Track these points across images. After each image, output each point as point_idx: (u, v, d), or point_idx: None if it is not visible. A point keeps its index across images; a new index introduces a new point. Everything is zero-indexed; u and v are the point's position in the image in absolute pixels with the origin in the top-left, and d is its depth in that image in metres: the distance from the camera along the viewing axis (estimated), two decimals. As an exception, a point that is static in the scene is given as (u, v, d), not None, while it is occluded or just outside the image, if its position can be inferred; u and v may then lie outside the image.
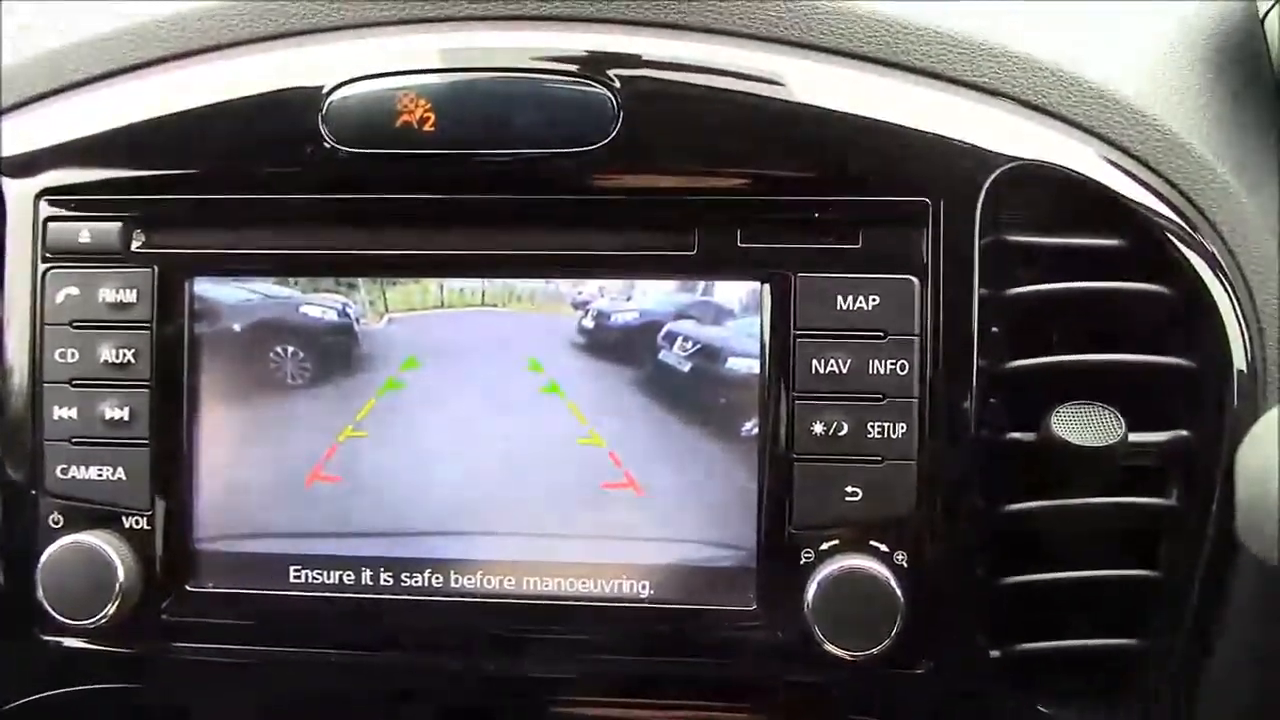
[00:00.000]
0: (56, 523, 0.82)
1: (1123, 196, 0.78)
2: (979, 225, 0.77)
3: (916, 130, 0.78)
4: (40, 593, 0.80)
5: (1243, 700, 0.78)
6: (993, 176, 0.77)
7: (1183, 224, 0.78)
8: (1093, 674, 0.80)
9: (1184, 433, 0.78)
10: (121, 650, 0.83)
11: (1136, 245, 0.78)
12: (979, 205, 0.77)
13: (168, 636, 0.82)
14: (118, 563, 0.80)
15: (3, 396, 0.84)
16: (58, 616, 0.80)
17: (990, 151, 0.78)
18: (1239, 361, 0.77)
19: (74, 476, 0.82)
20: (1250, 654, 0.77)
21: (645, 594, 0.80)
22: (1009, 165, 0.78)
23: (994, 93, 0.79)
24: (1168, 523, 0.78)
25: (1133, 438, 0.76)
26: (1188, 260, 0.78)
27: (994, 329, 0.78)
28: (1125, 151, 0.79)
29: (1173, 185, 0.79)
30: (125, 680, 0.84)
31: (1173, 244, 0.78)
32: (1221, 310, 0.77)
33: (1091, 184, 0.78)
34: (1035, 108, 0.80)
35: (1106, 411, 0.76)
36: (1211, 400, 0.77)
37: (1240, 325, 0.77)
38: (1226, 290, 0.78)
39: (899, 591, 0.75)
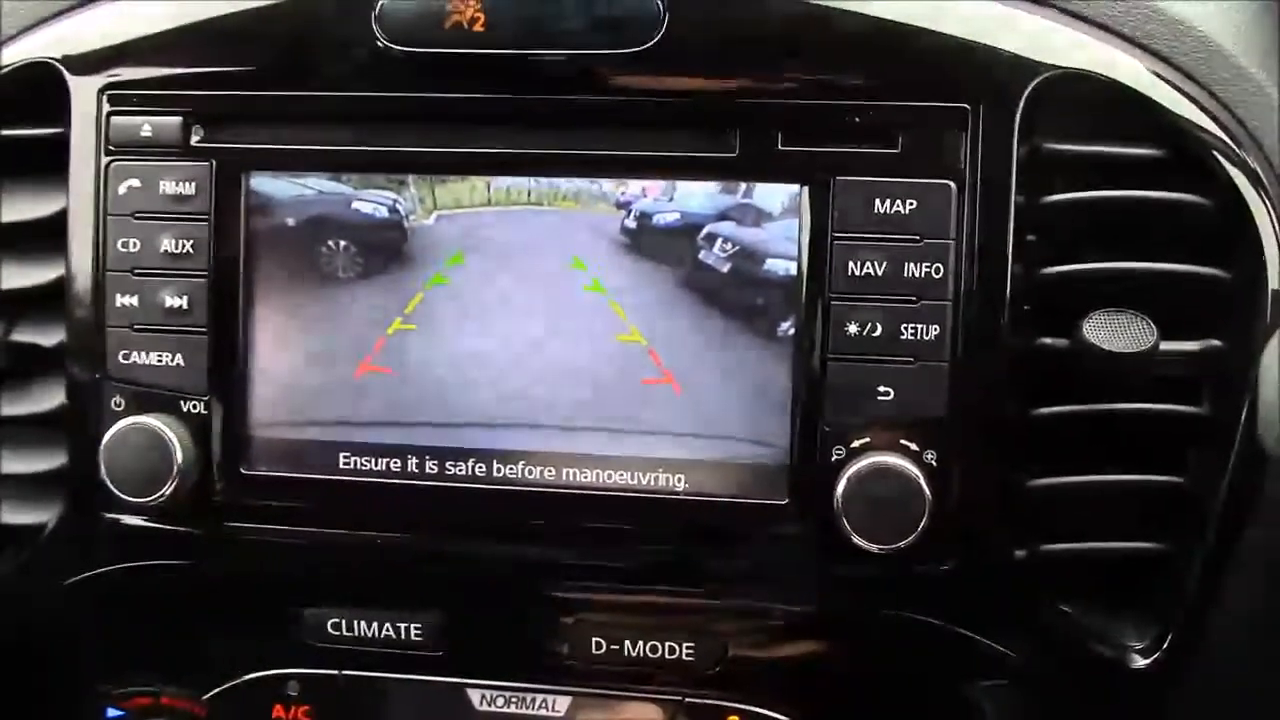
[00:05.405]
0: (119, 405, 0.86)
1: (1165, 108, 0.78)
2: (1018, 132, 0.78)
3: (958, 36, 0.78)
4: (103, 471, 0.84)
5: (1259, 606, 0.79)
6: (1033, 84, 0.78)
7: (1226, 138, 0.78)
8: (1115, 578, 0.81)
9: (1216, 342, 0.79)
10: (178, 528, 0.86)
11: (1176, 157, 0.79)
12: (1018, 112, 0.78)
13: (222, 516, 0.86)
14: (176, 444, 0.83)
15: (69, 284, 0.87)
16: (119, 494, 0.84)
17: (1032, 59, 0.78)
18: (1274, 279, 0.77)
19: (135, 361, 0.86)
20: (1270, 561, 0.78)
21: (681, 487, 0.82)
22: (1050, 73, 0.78)
23: (1038, 1, 0.80)
24: (1197, 430, 0.79)
25: (1165, 346, 0.77)
26: (1229, 174, 0.78)
27: (1030, 236, 0.79)
28: (1168, 62, 0.79)
29: (1216, 98, 0.79)
30: (182, 557, 0.87)
31: (1214, 158, 0.78)
32: (1260, 225, 0.78)
33: (1134, 94, 0.78)
34: (1079, 17, 0.80)
35: (1139, 319, 0.77)
36: (1244, 312, 0.78)
37: (1278, 241, 0.77)
38: (1266, 206, 0.78)
39: (927, 489, 0.77)
